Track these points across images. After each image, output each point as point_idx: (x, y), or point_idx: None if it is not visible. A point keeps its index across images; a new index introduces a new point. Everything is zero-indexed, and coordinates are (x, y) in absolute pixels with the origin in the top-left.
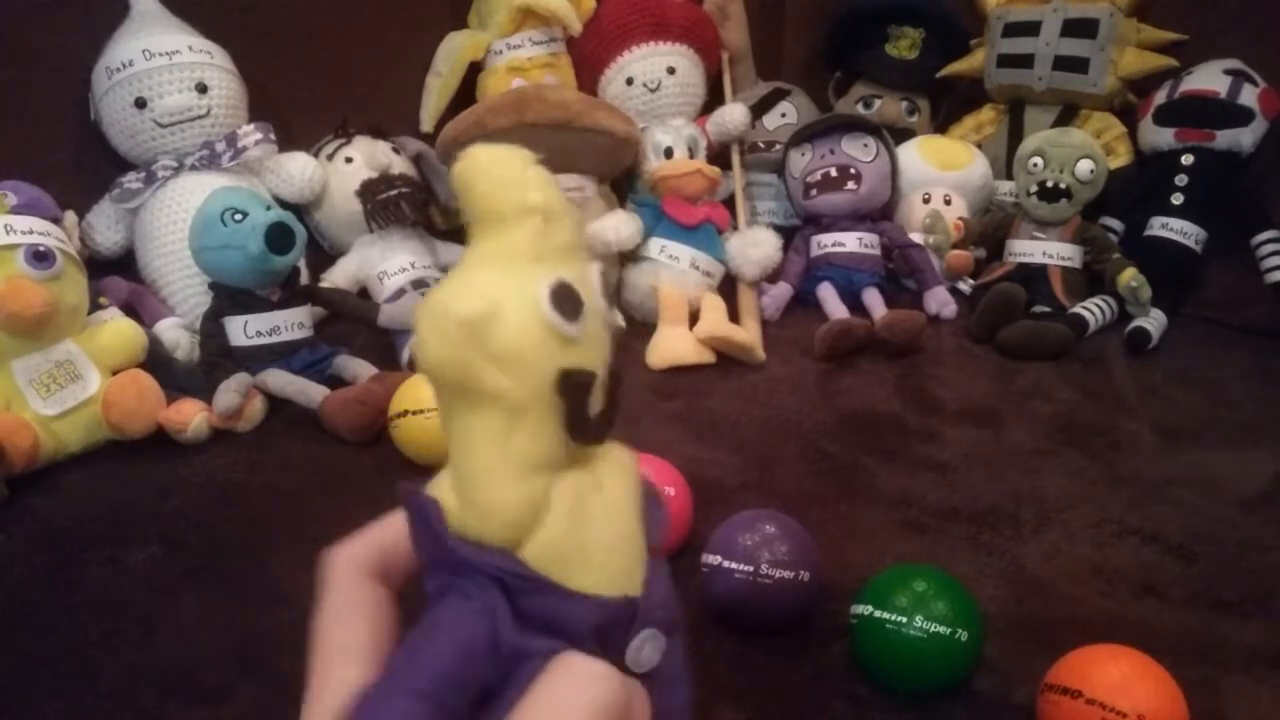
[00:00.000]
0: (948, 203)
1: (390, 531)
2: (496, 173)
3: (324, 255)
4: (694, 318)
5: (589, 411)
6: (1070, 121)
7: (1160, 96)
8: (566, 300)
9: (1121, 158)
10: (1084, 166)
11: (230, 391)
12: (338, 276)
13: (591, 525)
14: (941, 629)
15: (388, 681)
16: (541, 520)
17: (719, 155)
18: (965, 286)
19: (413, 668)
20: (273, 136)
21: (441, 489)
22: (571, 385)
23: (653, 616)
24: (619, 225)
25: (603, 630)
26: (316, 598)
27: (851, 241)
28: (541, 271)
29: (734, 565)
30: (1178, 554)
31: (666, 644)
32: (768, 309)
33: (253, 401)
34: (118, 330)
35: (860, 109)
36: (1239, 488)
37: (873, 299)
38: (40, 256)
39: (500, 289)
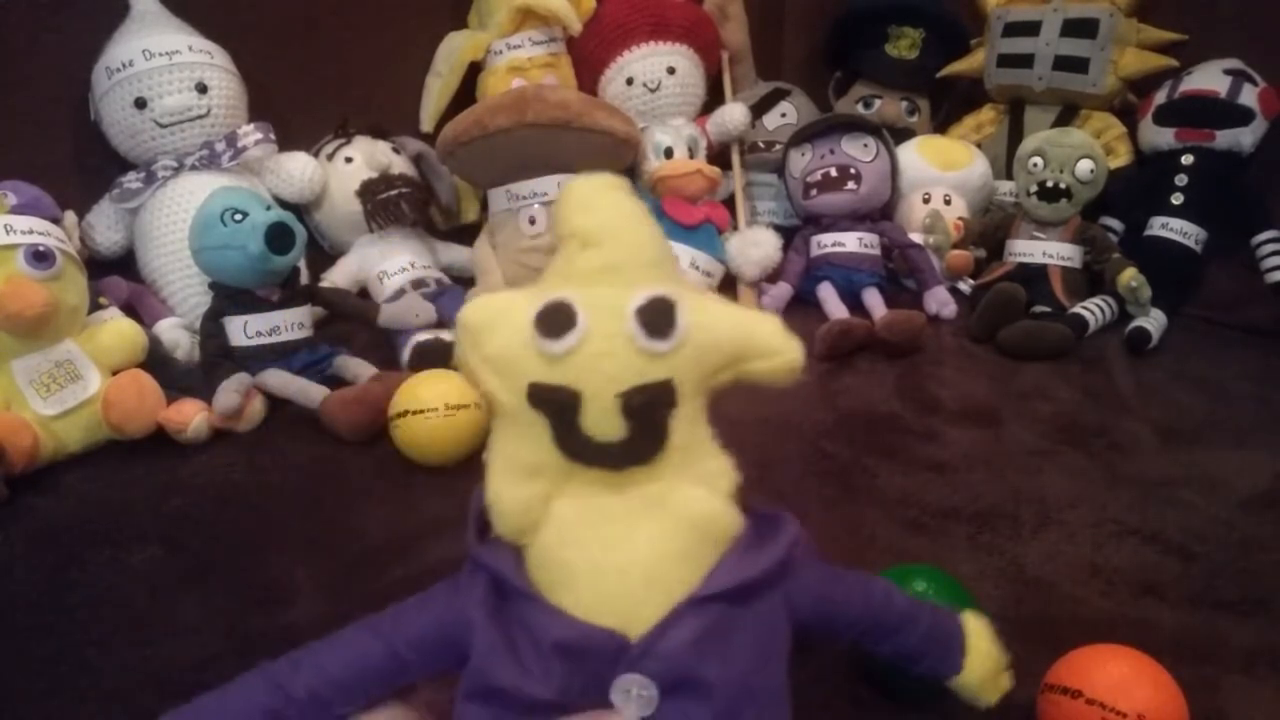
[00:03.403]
0: (948, 203)
1: None
2: (568, 198)
3: (324, 255)
4: None
5: (580, 430)
6: (1070, 121)
7: (1160, 96)
8: (550, 319)
9: (1121, 158)
10: (1084, 166)
11: (230, 391)
12: (338, 276)
13: (584, 549)
14: None
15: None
16: (538, 529)
17: (719, 155)
18: (965, 286)
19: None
20: (273, 136)
21: None
22: (541, 399)
23: (650, 666)
24: None
25: (573, 653)
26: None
27: (851, 241)
28: (554, 290)
29: None
30: (1178, 554)
31: (663, 704)
32: (767, 309)
33: (253, 401)
34: (118, 330)
35: (860, 109)
36: (1239, 488)
37: (873, 299)
38: (40, 256)
39: (513, 303)
